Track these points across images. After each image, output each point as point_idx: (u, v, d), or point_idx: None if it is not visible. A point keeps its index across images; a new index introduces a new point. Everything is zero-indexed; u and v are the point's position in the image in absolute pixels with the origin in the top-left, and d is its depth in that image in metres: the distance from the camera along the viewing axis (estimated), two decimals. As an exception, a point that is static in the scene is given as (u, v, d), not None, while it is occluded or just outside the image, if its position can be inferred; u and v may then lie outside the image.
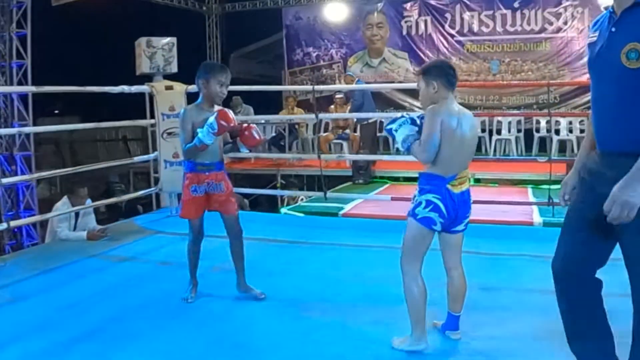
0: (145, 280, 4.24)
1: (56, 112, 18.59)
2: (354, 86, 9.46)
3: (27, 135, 8.89)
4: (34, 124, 9.51)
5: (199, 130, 3.43)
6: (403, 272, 2.91)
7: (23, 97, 9.30)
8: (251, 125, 3.71)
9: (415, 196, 2.92)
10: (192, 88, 6.50)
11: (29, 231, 8.99)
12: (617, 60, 2.03)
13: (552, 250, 4.63)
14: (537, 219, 6.38)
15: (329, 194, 6.76)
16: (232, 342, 3.10)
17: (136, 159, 6.72)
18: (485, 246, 4.75)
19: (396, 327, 3.09)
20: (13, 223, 5.10)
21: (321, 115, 7.82)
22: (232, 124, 3.44)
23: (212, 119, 3.39)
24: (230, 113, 3.48)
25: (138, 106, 6.64)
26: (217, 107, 3.64)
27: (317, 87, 7.32)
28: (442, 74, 2.93)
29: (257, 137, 3.70)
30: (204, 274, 3.92)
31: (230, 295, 3.79)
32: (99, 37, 11.93)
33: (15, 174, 8.49)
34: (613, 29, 2.09)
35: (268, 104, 12.58)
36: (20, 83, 9.23)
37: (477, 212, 5.97)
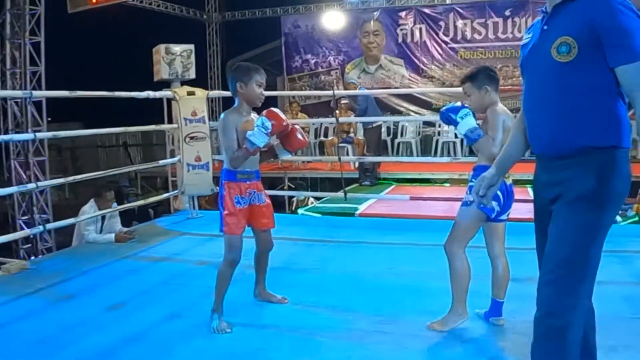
0: (187, 279, 4.16)
1: (49, 119, 18.39)
2: (365, 92, 9.45)
3: (41, 140, 8.78)
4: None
5: (249, 133, 3.07)
6: (451, 253, 3.00)
7: (37, 104, 9.17)
8: (295, 126, 3.42)
9: (472, 186, 2.90)
10: (213, 94, 6.47)
11: (42, 235, 8.83)
12: (548, 56, 1.93)
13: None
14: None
15: (335, 194, 6.79)
16: (290, 338, 3.04)
17: (161, 162, 6.61)
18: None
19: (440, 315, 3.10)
20: (49, 225, 4.96)
21: (341, 119, 7.77)
22: (284, 123, 3.15)
23: (262, 119, 3.08)
24: (280, 112, 3.20)
25: (140, 112, 6.59)
26: (252, 113, 3.32)
27: (337, 92, 7.32)
28: (492, 79, 3.03)
29: (303, 138, 3.38)
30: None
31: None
32: (109, 43, 11.83)
33: (30, 179, 8.37)
34: (545, 27, 2.00)
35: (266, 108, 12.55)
36: (34, 89, 9.06)
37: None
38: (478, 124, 3.00)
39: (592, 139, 1.88)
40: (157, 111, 6.68)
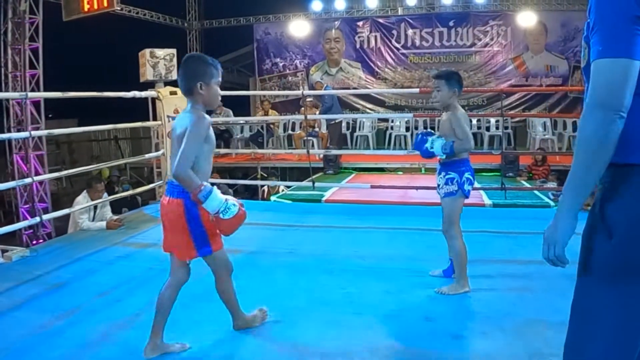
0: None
1: (50, 115, 17.81)
2: (331, 91, 9.32)
3: (40, 137, 8.43)
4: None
5: (213, 195, 2.21)
6: (451, 237, 3.14)
7: (36, 103, 8.83)
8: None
9: (452, 178, 3.11)
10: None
11: (42, 221, 8.50)
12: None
13: (504, 227, 4.74)
14: (487, 201, 6.38)
15: (305, 183, 6.66)
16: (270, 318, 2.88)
17: (147, 155, 6.37)
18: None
19: (404, 295, 3.07)
20: (46, 216, 4.70)
21: (310, 116, 7.61)
22: (229, 232, 2.35)
23: (232, 205, 2.26)
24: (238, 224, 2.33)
25: (129, 109, 6.39)
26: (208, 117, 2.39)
27: (306, 92, 7.16)
28: (461, 85, 3.15)
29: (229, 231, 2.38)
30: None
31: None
32: (100, 48, 11.46)
33: (30, 172, 8.01)
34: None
35: (240, 106, 12.42)
36: (32, 90, 8.76)
37: (437, 196, 5.98)
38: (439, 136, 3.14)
39: None
40: (144, 108, 6.45)
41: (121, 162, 10.08)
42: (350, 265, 3.77)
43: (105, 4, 8.15)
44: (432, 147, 3.08)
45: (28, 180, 4.53)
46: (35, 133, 4.86)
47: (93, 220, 5.22)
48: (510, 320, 2.70)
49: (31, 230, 8.31)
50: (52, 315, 2.99)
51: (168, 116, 5.85)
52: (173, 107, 5.88)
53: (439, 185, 3.21)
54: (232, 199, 2.30)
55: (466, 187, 3.11)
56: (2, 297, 3.32)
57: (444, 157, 3.09)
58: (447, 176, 3.12)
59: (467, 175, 3.11)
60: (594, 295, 1.31)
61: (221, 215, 2.24)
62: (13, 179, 8.05)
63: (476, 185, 7.57)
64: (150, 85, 6.27)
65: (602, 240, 1.30)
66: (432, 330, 2.65)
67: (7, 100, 8.89)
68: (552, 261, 1.37)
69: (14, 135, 7.47)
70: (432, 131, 3.31)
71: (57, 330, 2.81)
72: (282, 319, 2.84)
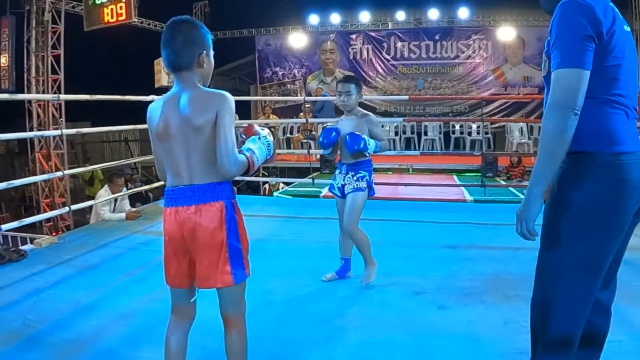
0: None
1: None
2: (329, 98, 9.47)
3: (61, 137, 8.55)
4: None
5: (255, 144, 1.80)
6: (354, 231, 3.05)
7: (56, 106, 8.92)
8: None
9: (362, 176, 3.09)
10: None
11: (61, 215, 8.60)
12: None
13: (485, 219, 4.91)
14: (468, 197, 6.58)
15: (306, 180, 6.81)
16: (283, 296, 3.07)
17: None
18: (440, 217, 4.94)
19: (396, 273, 3.20)
20: (74, 207, 4.82)
21: (311, 120, 7.77)
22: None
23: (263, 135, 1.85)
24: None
25: (137, 113, 6.45)
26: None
27: (307, 98, 7.32)
28: (361, 89, 3.20)
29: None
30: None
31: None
32: (116, 56, 11.55)
33: (52, 169, 8.13)
34: None
35: (242, 111, 12.55)
36: (54, 94, 8.79)
37: (424, 193, 6.17)
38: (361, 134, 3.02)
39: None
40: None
41: (134, 160, 10.16)
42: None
43: (124, 17, 8.29)
44: (369, 146, 3.00)
45: (59, 173, 4.73)
46: (66, 131, 4.96)
47: (113, 211, 5.34)
48: (488, 295, 2.90)
49: (51, 223, 8.41)
50: (85, 292, 3.11)
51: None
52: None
53: (344, 183, 3.14)
54: (262, 132, 1.86)
55: (373, 185, 3.14)
56: (37, 277, 3.44)
57: (369, 154, 3.06)
58: (358, 175, 3.08)
59: (372, 174, 3.14)
60: (556, 257, 1.53)
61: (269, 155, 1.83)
62: (34, 175, 8.16)
63: (458, 182, 7.86)
64: (164, 90, 6.39)
65: (563, 212, 1.51)
66: (420, 303, 2.84)
67: (30, 103, 8.96)
68: (524, 235, 1.53)
69: (46, 132, 7.58)
70: (337, 127, 3.15)
71: (91, 304, 2.93)
72: (291, 294, 3.04)
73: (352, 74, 3.51)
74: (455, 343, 2.36)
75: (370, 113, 3.19)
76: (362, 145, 2.97)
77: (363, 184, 3.07)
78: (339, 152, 3.21)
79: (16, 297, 3.05)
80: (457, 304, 2.78)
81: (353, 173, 3.10)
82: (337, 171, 3.23)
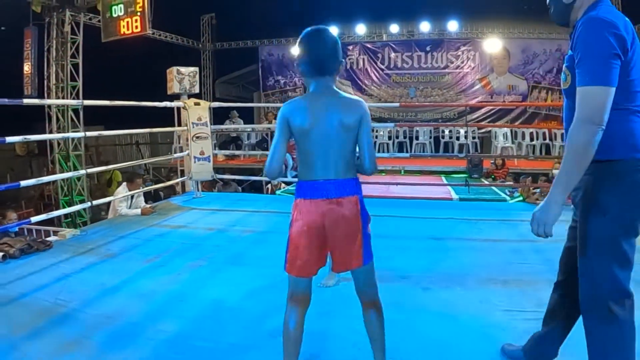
0: (201, 240, 4.28)
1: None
2: None
3: (79, 139, 8.73)
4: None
5: None
6: None
7: (75, 111, 9.10)
8: None
9: None
10: (213, 104, 6.57)
11: (78, 211, 8.77)
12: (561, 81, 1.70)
13: (467, 215, 5.12)
14: (454, 195, 6.77)
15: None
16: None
17: (176, 155, 6.69)
18: (427, 213, 5.13)
19: (386, 260, 3.34)
20: (96, 202, 5.00)
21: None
22: None
23: None
24: None
25: (147, 118, 6.62)
26: None
27: None
28: None
29: None
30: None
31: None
32: (131, 65, 11.74)
33: (70, 169, 8.31)
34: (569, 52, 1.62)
35: (246, 117, 12.75)
36: (78, 100, 8.98)
37: (414, 192, 6.35)
38: None
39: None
40: (159, 117, 6.64)
41: (146, 161, 10.36)
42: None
43: (139, 29, 8.48)
44: None
45: (82, 172, 4.91)
46: (90, 134, 5.14)
47: (129, 207, 5.53)
48: (467, 279, 3.09)
49: (70, 219, 8.57)
50: (108, 276, 3.30)
51: (192, 123, 6.20)
52: (197, 116, 6.22)
53: None
54: None
55: None
56: (64, 263, 3.63)
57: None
58: None
59: None
60: (595, 257, 1.59)
61: None
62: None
63: (445, 182, 8.05)
64: (176, 97, 6.56)
65: (599, 217, 1.57)
66: (407, 284, 3.03)
67: (50, 108, 9.12)
68: (539, 235, 1.58)
69: (69, 134, 7.77)
70: None
71: (115, 286, 3.12)
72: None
73: None
74: (436, 319, 2.56)
75: None
76: None
77: None
78: None
79: (46, 281, 3.23)
80: (439, 287, 2.97)
81: None
82: None
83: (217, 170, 6.58)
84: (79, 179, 8.76)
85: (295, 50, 13.67)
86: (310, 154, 1.75)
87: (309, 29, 1.80)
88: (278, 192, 7.57)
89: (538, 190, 5.97)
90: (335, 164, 1.75)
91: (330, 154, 1.74)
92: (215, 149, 6.95)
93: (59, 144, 8.98)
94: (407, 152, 11.68)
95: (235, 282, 3.16)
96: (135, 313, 2.71)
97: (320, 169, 1.75)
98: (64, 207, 7.87)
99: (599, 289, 1.56)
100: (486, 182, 8.08)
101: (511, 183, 7.80)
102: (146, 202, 6.94)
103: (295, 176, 1.89)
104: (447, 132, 11.95)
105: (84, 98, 8.98)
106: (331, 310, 2.70)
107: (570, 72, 1.56)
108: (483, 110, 12.61)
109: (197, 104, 6.25)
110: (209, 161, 6.30)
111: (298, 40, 1.81)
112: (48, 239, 4.42)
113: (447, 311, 2.63)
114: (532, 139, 11.11)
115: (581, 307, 1.62)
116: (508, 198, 6.47)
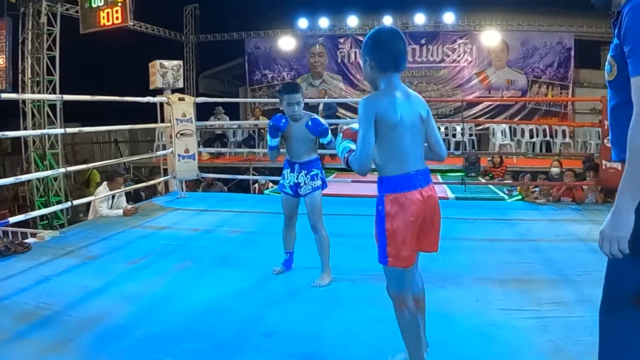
0: (186, 241, 4.33)
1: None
2: (329, 100, 9.72)
3: (56, 136, 8.69)
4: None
5: None
6: (321, 227, 3.23)
7: (52, 107, 9.05)
8: None
9: (316, 174, 3.21)
10: (199, 100, 6.60)
11: (55, 212, 8.75)
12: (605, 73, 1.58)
13: (463, 214, 5.21)
14: (450, 194, 6.88)
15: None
16: (277, 283, 3.33)
17: (159, 153, 6.71)
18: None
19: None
20: (76, 202, 5.02)
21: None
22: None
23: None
24: None
25: (126, 114, 6.61)
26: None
27: (310, 100, 7.51)
28: None
29: None
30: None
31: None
32: (111, 57, 11.72)
33: (46, 169, 8.28)
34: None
35: (231, 113, 12.76)
36: (57, 95, 8.93)
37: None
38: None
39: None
40: (139, 113, 6.63)
41: (128, 159, 10.29)
42: (336, 241, 4.16)
43: (120, 20, 8.49)
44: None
45: (62, 170, 4.89)
46: (70, 130, 5.15)
47: (110, 208, 5.54)
48: (463, 279, 3.19)
49: (46, 221, 8.54)
50: (91, 278, 3.34)
51: (177, 119, 6.23)
52: (181, 112, 6.26)
53: (300, 183, 3.20)
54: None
55: (325, 178, 3.26)
56: (44, 266, 3.66)
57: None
58: (311, 173, 3.19)
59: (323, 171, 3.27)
60: None
61: None
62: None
63: (440, 180, 8.16)
64: (159, 91, 6.57)
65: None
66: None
67: (25, 103, 9.06)
68: (614, 255, 1.40)
69: (50, 131, 7.68)
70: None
71: (99, 289, 3.16)
72: (292, 272, 3.41)
73: (296, 82, 3.65)
74: (432, 318, 2.63)
75: (313, 114, 3.23)
76: (325, 125, 3.11)
77: (318, 182, 3.19)
78: (287, 153, 3.30)
79: (27, 284, 3.27)
80: (435, 286, 3.04)
81: (306, 172, 3.19)
82: (287, 170, 3.28)
83: (201, 169, 6.61)
84: (55, 178, 8.74)
85: (283, 43, 13.90)
86: (400, 147, 1.90)
87: (381, 27, 2.02)
88: (266, 191, 7.63)
89: (537, 188, 6.07)
90: (420, 155, 1.96)
91: (417, 146, 1.94)
92: (199, 147, 6.98)
93: (34, 141, 8.92)
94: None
95: (223, 284, 3.23)
96: (121, 315, 2.76)
97: (412, 161, 1.91)
98: (39, 209, 7.85)
99: (625, 283, 1.46)
100: (483, 181, 8.20)
101: (509, 181, 7.93)
102: (127, 202, 6.98)
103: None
104: (442, 128, 12.05)
105: (61, 93, 8.95)
106: (324, 310, 2.78)
107: (616, 62, 1.44)
108: (480, 106, 12.72)
109: (181, 99, 6.29)
110: (194, 159, 6.34)
111: (371, 36, 1.94)
112: (26, 241, 4.44)
113: (443, 310, 2.71)
114: (531, 136, 11.26)
115: (603, 300, 1.54)
116: (506, 197, 6.58)
